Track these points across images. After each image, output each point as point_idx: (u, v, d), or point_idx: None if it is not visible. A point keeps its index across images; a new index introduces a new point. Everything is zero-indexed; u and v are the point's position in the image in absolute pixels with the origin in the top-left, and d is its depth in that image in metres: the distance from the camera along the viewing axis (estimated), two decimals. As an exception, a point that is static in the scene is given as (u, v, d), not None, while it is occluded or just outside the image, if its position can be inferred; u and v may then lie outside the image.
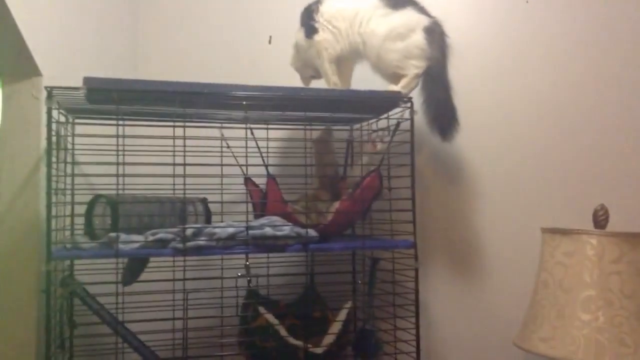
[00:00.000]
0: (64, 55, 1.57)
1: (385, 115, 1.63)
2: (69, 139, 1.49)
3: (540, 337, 1.32)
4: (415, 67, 1.55)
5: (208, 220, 1.64)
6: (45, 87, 1.31)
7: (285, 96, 1.45)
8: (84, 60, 1.68)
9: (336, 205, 1.54)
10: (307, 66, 1.73)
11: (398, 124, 1.54)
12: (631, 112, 1.58)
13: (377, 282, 1.64)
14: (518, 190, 1.71)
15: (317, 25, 1.63)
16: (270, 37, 1.97)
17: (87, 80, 1.29)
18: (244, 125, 1.46)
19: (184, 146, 1.36)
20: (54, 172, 1.32)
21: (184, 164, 1.35)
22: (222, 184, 1.52)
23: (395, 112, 1.59)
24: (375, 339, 1.58)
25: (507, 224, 1.72)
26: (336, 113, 1.63)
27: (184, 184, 1.35)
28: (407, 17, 1.56)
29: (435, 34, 1.56)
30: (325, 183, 1.67)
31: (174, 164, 1.36)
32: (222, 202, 1.56)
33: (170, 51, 1.97)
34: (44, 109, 1.33)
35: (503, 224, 1.72)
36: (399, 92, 1.54)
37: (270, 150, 1.60)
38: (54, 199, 1.31)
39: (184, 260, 1.60)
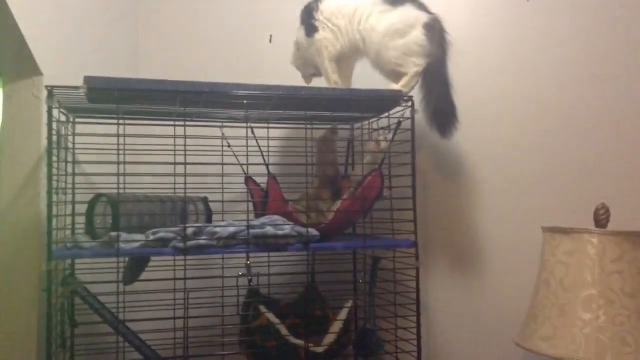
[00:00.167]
0: (64, 55, 1.57)
1: (386, 115, 1.63)
2: (70, 138, 1.50)
3: (541, 336, 1.32)
4: (415, 65, 1.55)
5: (209, 220, 1.64)
6: (46, 87, 1.32)
7: (286, 95, 1.45)
8: (84, 59, 1.68)
9: (337, 204, 1.54)
10: (308, 65, 1.73)
11: (399, 123, 1.54)
12: (632, 110, 1.58)
13: (378, 282, 1.64)
14: (519, 189, 1.71)
15: (317, 23, 1.63)
16: (271, 36, 1.97)
17: (87, 79, 1.29)
18: (244, 125, 1.46)
19: (185, 145, 1.36)
20: (54, 171, 1.33)
21: (185, 163, 1.35)
22: (223, 183, 1.52)
23: (396, 111, 1.59)
24: (377, 338, 1.58)
25: (508, 223, 1.71)
26: (337, 112, 1.63)
27: (185, 183, 1.36)
28: (406, 13, 1.56)
29: (435, 30, 1.56)
30: (325, 182, 1.67)
31: (175, 163, 1.36)
32: (223, 202, 1.56)
33: (171, 50, 1.97)
34: (44, 109, 1.33)
35: (504, 223, 1.72)
36: (399, 91, 1.54)
37: (271, 149, 1.60)
38: (54, 199, 1.31)
39: (185, 260, 1.60)
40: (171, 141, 1.36)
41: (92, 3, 1.76)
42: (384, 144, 1.58)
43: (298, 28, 1.70)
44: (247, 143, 1.45)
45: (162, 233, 1.36)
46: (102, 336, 1.55)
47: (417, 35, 1.55)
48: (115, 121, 1.34)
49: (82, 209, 1.44)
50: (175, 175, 1.36)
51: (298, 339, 1.49)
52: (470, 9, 1.80)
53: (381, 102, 1.56)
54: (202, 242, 1.35)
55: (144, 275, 1.47)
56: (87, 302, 1.43)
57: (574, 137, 1.65)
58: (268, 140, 1.63)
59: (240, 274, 1.57)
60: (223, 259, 1.70)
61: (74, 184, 1.47)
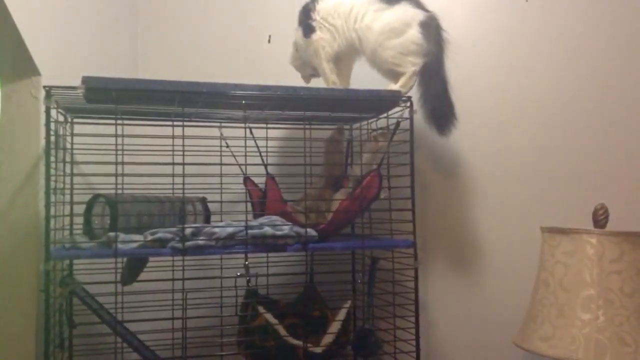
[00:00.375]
0: (62, 55, 1.57)
1: (385, 115, 1.62)
2: (68, 138, 1.49)
3: (540, 336, 1.32)
4: (412, 64, 1.54)
5: (207, 220, 1.64)
6: (44, 87, 1.31)
7: (284, 95, 1.45)
8: (82, 59, 1.68)
9: (336, 204, 1.53)
10: (306, 65, 1.73)
11: (398, 124, 1.54)
12: (632, 110, 1.58)
13: (376, 282, 1.63)
14: (518, 189, 1.71)
15: (314, 24, 1.62)
16: (270, 36, 1.97)
17: (85, 79, 1.28)
18: (243, 125, 1.46)
19: (183, 145, 1.36)
20: (52, 171, 1.32)
21: (183, 164, 1.35)
22: (221, 184, 1.52)
23: (395, 112, 1.59)
24: (375, 338, 1.57)
25: (507, 223, 1.71)
26: (335, 112, 1.63)
27: (183, 184, 1.35)
28: (402, 12, 1.55)
29: (431, 28, 1.55)
30: (331, 182, 1.67)
31: (173, 164, 1.35)
32: (221, 202, 1.56)
33: (169, 50, 1.97)
34: (42, 109, 1.33)
35: (503, 223, 1.72)
36: (398, 92, 1.53)
37: (269, 149, 1.60)
38: (52, 199, 1.31)
39: (183, 260, 1.60)
40: (169, 141, 1.36)
41: (90, 3, 1.76)
42: (381, 144, 1.58)
43: (296, 28, 1.70)
44: (245, 143, 1.45)
45: (161, 233, 1.35)
46: (100, 336, 1.55)
47: (414, 33, 1.54)
48: (113, 121, 1.34)
49: (80, 209, 1.43)
50: (173, 175, 1.36)
51: (296, 339, 1.49)
52: (468, 6, 1.80)
53: (379, 102, 1.55)
54: (200, 242, 1.35)
55: (142, 276, 1.47)
56: (85, 302, 1.43)
57: (573, 137, 1.65)
58: (266, 140, 1.63)
59: (238, 274, 1.57)
60: (221, 259, 1.70)
61: (72, 184, 1.46)
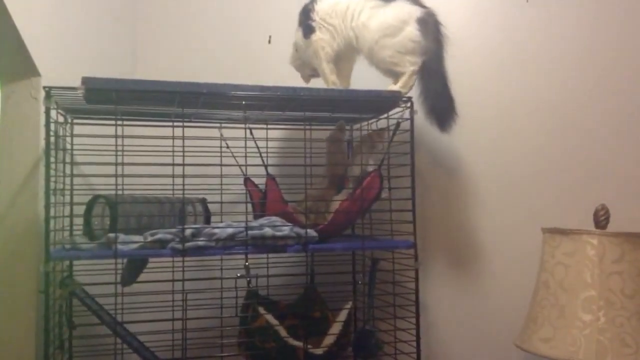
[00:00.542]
0: (62, 55, 1.57)
1: (385, 115, 1.62)
2: (68, 139, 1.49)
3: (541, 337, 1.32)
4: (411, 64, 1.53)
5: (207, 221, 1.64)
6: (44, 87, 1.31)
7: (284, 96, 1.45)
8: (82, 60, 1.68)
9: (336, 205, 1.53)
10: (306, 65, 1.73)
11: (398, 124, 1.54)
12: (632, 110, 1.58)
13: (377, 283, 1.63)
14: (518, 190, 1.70)
15: (313, 24, 1.62)
16: (270, 36, 1.97)
17: (85, 80, 1.28)
18: (243, 125, 1.46)
19: (183, 146, 1.35)
20: (52, 172, 1.32)
21: (183, 164, 1.35)
22: (221, 184, 1.51)
23: (395, 112, 1.58)
24: (376, 339, 1.57)
25: (508, 224, 1.71)
26: (336, 113, 1.63)
27: (183, 184, 1.35)
28: (399, 9, 1.54)
29: (429, 24, 1.54)
30: (334, 182, 1.67)
31: (173, 164, 1.35)
32: (221, 203, 1.56)
33: (169, 51, 1.97)
34: (42, 109, 1.33)
35: (504, 224, 1.72)
36: (398, 92, 1.53)
37: (269, 150, 1.60)
38: (52, 200, 1.31)
39: (183, 261, 1.60)
40: (169, 142, 1.36)
41: (90, 4, 1.75)
42: (377, 143, 1.57)
43: (296, 29, 1.69)
44: (245, 144, 1.45)
45: (161, 234, 1.35)
46: (100, 338, 1.54)
47: (411, 30, 1.52)
48: (113, 122, 1.33)
49: (80, 210, 1.43)
50: (173, 176, 1.36)
51: (297, 340, 1.48)
52: (469, 5, 1.79)
53: (380, 102, 1.55)
54: (200, 243, 1.35)
55: (142, 277, 1.47)
56: (84, 303, 1.43)
57: (574, 137, 1.64)
58: (267, 141, 1.63)
59: (238, 275, 1.57)
60: (222, 260, 1.69)
61: (71, 185, 1.46)
